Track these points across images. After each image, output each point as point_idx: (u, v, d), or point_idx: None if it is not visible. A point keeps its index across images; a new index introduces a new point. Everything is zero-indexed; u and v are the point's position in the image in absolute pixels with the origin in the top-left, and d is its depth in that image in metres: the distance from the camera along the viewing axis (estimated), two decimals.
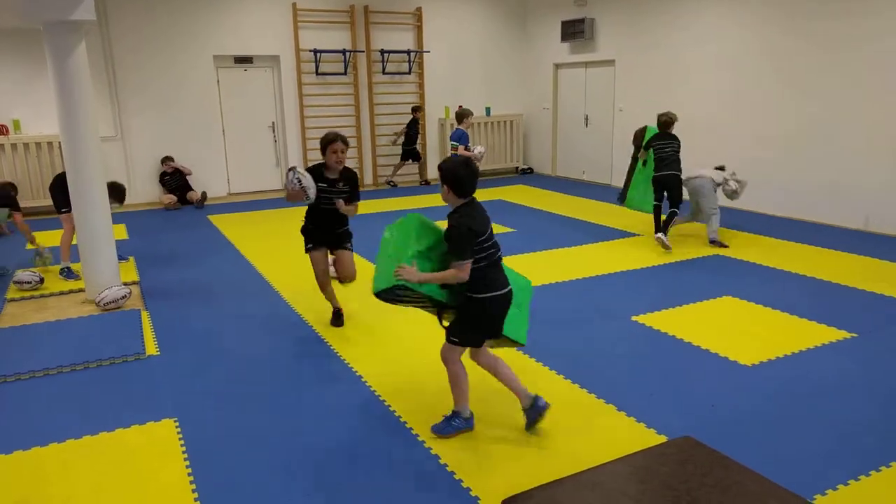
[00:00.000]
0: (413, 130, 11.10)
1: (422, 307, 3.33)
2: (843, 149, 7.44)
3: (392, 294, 3.13)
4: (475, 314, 3.10)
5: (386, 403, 3.56)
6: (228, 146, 10.49)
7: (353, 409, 3.52)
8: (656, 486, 2.69)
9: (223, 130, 10.37)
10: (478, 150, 7.85)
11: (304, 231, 4.67)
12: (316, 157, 10.79)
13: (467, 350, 3.22)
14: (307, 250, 4.66)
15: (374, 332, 4.62)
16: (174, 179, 9.87)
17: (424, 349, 4.21)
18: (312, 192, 4.36)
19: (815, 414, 3.38)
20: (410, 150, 11.16)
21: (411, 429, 3.30)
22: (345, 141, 4.42)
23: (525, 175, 12.42)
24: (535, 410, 3.24)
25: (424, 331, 4.48)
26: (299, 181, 4.27)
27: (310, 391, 3.75)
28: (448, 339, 3.15)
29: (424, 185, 11.48)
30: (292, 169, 4.32)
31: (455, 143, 7.93)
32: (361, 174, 11.26)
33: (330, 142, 4.39)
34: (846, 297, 5.14)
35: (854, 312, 4.78)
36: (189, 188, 9.91)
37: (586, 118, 11.26)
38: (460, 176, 3.02)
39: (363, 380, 3.85)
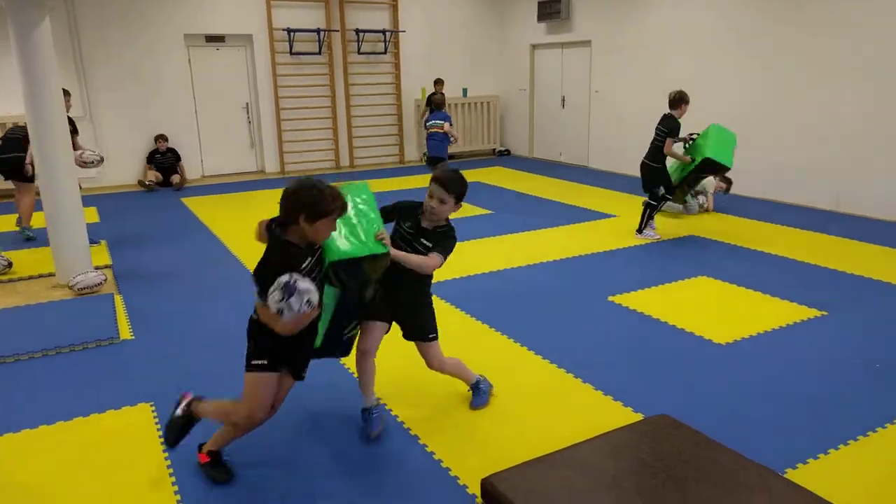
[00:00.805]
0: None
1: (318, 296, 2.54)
2: (814, 129, 7.54)
3: (345, 267, 2.70)
4: (430, 302, 3.14)
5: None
6: (201, 127, 10.30)
7: (327, 386, 3.51)
8: (633, 463, 2.73)
9: (195, 111, 10.17)
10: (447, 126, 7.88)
11: None
12: (292, 137, 10.73)
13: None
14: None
15: None
16: (166, 159, 9.70)
17: None
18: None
19: (787, 390, 3.45)
20: None
21: (391, 410, 3.30)
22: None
23: (502, 157, 12.40)
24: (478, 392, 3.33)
25: None
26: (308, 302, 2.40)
27: None
28: (426, 339, 3.14)
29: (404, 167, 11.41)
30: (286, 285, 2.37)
31: (441, 121, 7.85)
32: (337, 157, 11.16)
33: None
34: (817, 276, 5.24)
35: (824, 291, 4.88)
36: (175, 171, 9.76)
37: (563, 99, 11.25)
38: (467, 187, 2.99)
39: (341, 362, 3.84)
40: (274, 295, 2.33)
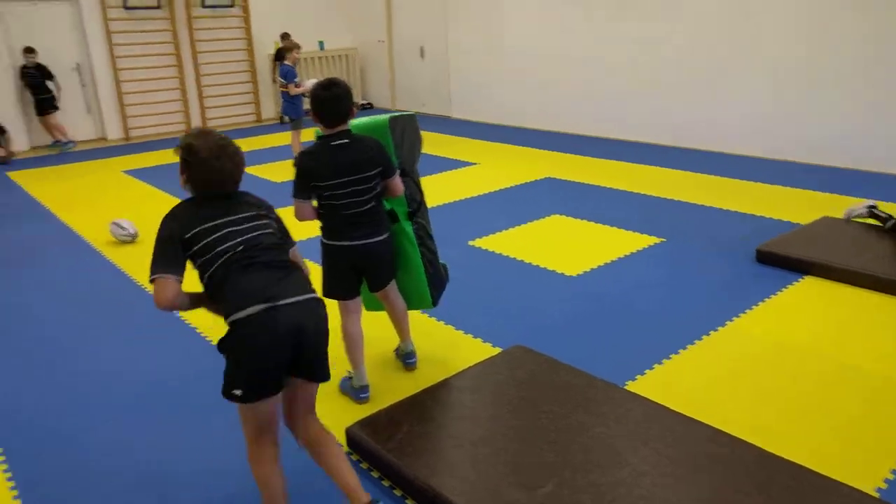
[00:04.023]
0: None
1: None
2: (656, 68, 8.01)
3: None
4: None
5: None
6: (25, 94, 9.23)
7: (182, 353, 3.36)
8: (489, 393, 2.86)
9: (15, 76, 9.09)
10: (311, 83, 7.44)
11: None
12: (135, 100, 9.91)
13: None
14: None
15: None
16: None
17: None
18: None
19: (628, 312, 3.73)
20: None
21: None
22: None
23: (365, 110, 12.20)
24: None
25: None
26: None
27: (127, 343, 3.53)
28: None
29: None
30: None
31: (282, 79, 7.51)
32: (188, 119, 10.48)
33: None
34: (658, 207, 5.65)
35: (664, 220, 5.27)
36: None
37: (422, 50, 11.18)
38: (317, 97, 2.65)
39: (197, 329, 3.68)
40: None
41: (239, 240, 2.01)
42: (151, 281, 1.96)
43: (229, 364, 1.97)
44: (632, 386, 2.97)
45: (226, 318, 1.96)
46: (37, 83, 9.05)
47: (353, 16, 12.04)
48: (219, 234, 2.00)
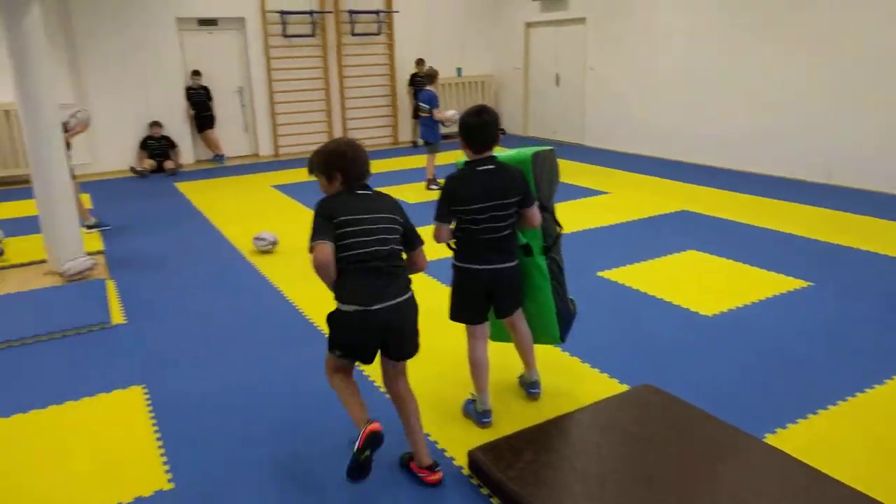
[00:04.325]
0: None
1: None
2: (809, 103, 7.51)
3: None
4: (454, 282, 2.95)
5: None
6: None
7: (316, 372, 3.54)
8: (616, 432, 2.77)
9: (188, 96, 10.12)
10: (451, 113, 7.67)
11: None
12: (286, 120, 10.70)
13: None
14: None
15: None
16: (160, 146, 9.72)
17: None
18: None
19: (770, 359, 3.49)
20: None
21: (374, 381, 3.34)
22: None
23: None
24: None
25: None
26: None
27: (278, 357, 3.77)
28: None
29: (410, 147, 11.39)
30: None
31: (425, 105, 7.78)
32: (330, 139, 11.09)
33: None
34: (805, 248, 5.25)
35: (811, 262, 4.90)
36: (169, 158, 9.77)
37: (557, 77, 11.19)
38: (468, 124, 2.74)
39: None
40: None
41: (366, 239, 2.42)
42: (311, 249, 2.39)
43: (330, 333, 2.52)
44: (771, 439, 2.77)
45: (334, 298, 2.45)
46: (201, 103, 10.03)
47: (492, 43, 12.29)
48: (356, 228, 2.42)
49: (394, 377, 2.62)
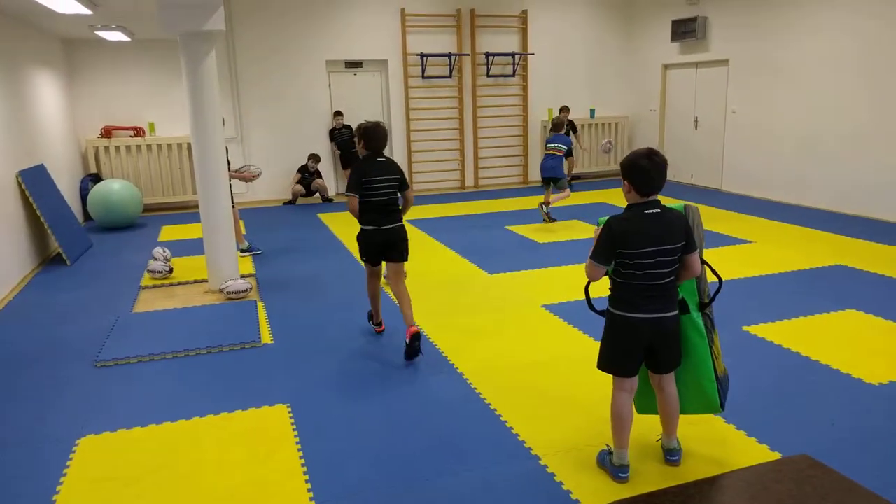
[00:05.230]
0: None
1: None
2: None
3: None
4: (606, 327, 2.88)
5: (484, 399, 3.61)
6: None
7: (454, 403, 3.59)
8: (769, 501, 2.58)
9: (331, 137, 10.76)
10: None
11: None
12: (421, 158, 11.11)
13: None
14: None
15: (473, 328, 4.68)
16: (312, 178, 10.46)
17: (519, 339, 4.23)
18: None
19: None
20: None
21: (506, 422, 3.32)
22: None
23: None
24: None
25: (513, 320, 4.49)
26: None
27: (413, 385, 3.86)
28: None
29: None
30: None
31: (562, 146, 7.95)
32: (463, 177, 11.40)
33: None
34: None
35: None
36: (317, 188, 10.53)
37: (696, 120, 10.84)
38: (639, 166, 2.65)
39: (461, 373, 3.92)
40: None
41: (379, 190, 4.21)
42: (346, 193, 4.26)
43: (359, 247, 4.39)
44: None
45: (359, 223, 4.30)
46: (345, 141, 10.60)
47: (627, 84, 12.14)
48: (374, 185, 4.20)
49: (394, 277, 4.35)
